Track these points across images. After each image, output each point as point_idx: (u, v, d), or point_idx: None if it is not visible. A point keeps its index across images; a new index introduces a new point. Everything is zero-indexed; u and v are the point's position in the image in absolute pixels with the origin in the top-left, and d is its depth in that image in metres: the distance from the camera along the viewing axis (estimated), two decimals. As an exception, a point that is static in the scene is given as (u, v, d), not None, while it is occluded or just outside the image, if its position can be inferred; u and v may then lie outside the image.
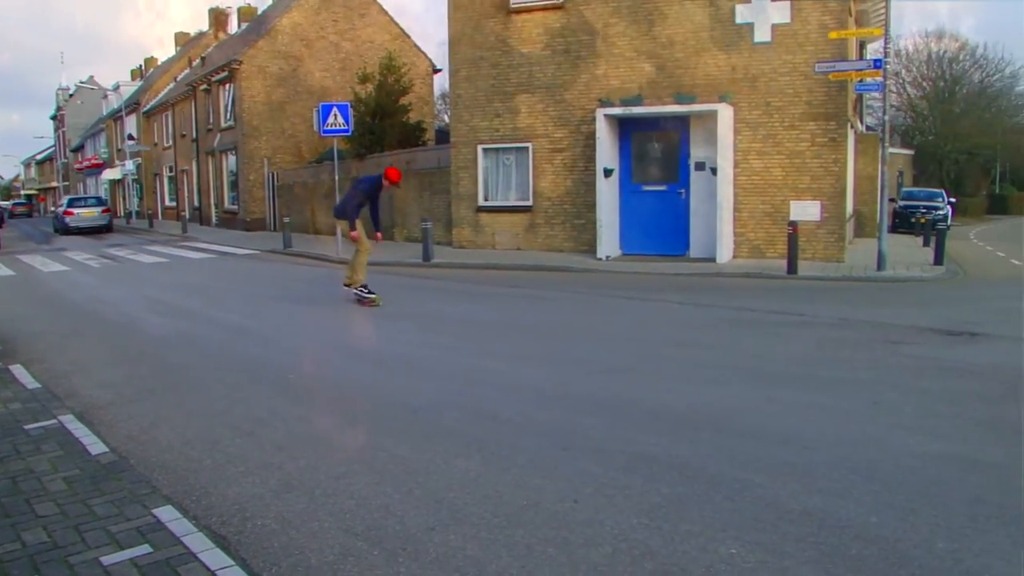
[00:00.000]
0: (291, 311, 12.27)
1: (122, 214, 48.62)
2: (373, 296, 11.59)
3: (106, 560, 3.71)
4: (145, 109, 46.70)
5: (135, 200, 47.71)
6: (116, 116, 50.30)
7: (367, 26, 34.65)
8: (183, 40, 52.57)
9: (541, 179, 18.91)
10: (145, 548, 3.81)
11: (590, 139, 17.67)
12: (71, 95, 72.17)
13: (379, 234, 12.04)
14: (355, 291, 11.65)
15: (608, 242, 17.42)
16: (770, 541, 3.85)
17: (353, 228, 11.60)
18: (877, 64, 15.39)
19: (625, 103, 17.31)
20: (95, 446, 5.34)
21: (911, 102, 52.88)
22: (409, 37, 35.97)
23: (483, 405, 6.36)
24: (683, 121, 17.05)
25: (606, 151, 17.24)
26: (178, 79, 45.17)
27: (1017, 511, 4.14)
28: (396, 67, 26.78)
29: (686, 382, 7.08)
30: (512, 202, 19.58)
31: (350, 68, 32.33)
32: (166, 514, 4.21)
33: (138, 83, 55.55)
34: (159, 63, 56.15)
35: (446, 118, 36.57)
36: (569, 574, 3.59)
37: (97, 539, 3.92)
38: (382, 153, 25.13)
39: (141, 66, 59.77)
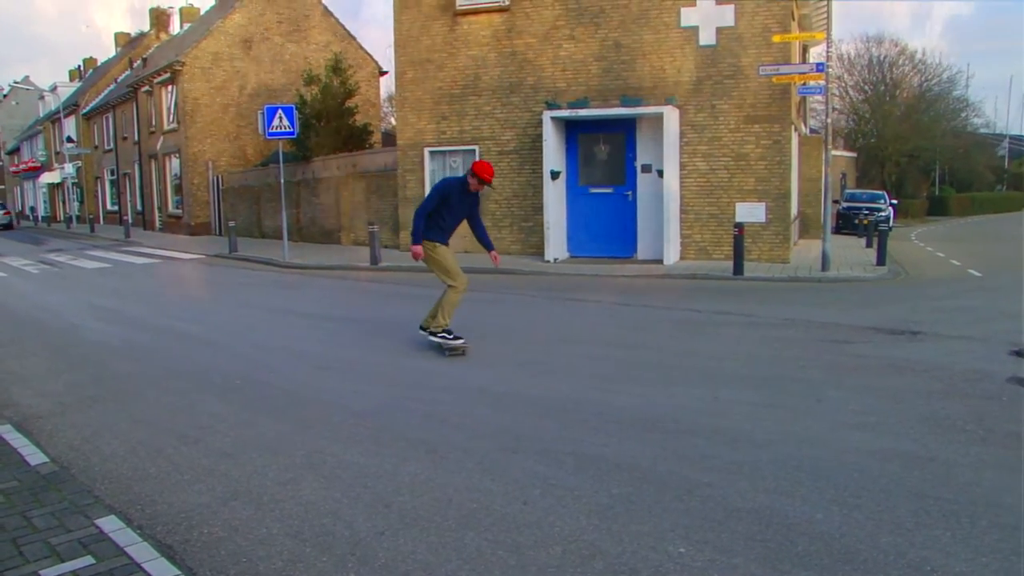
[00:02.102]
0: (237, 316, 12.11)
1: (62, 218, 47.61)
2: (460, 343, 8.45)
3: (46, 573, 3.61)
4: (85, 111, 45.77)
5: (75, 204, 46.73)
6: (54, 118, 49.28)
7: (312, 28, 34.38)
8: (123, 40, 51.58)
9: (489, 181, 18.89)
10: (87, 560, 3.72)
11: (537, 141, 17.71)
12: (5, 95, 70.55)
13: (495, 254, 8.78)
14: (437, 337, 8.44)
15: (556, 244, 17.48)
16: (718, 540, 3.89)
17: (417, 241, 8.27)
18: (819, 67, 15.65)
19: (572, 105, 17.38)
20: (34, 456, 5.21)
21: (853, 105, 53.86)
22: (355, 39, 35.74)
23: (431, 408, 6.33)
24: (629, 123, 17.17)
25: (553, 153, 17.29)
26: (119, 80, 44.36)
27: (957, 505, 4.24)
28: (342, 69, 26.61)
29: (634, 383, 7.12)
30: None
31: (295, 70, 32.03)
32: (109, 524, 4.11)
33: (77, 84, 54.47)
34: (98, 64, 55.07)
35: (393, 120, 36.41)
36: (520, 575, 3.59)
37: (36, 552, 3.82)
38: (327, 156, 24.94)
39: (80, 66, 58.58)
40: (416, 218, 8.30)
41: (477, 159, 18.83)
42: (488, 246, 8.71)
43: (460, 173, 19.13)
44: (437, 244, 8.40)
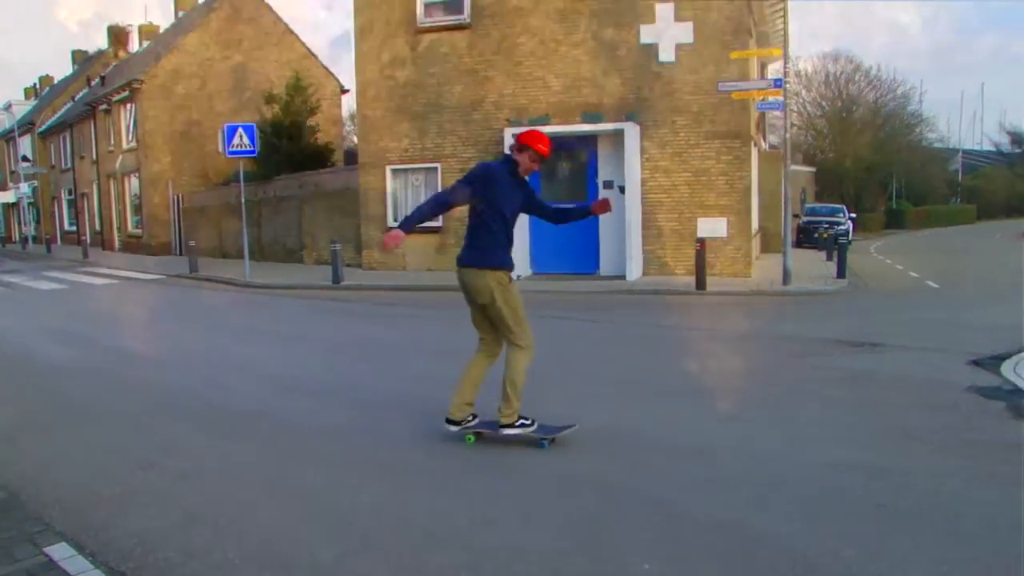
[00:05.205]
0: (197, 336, 11.94)
1: (17, 239, 46.81)
2: (530, 426, 5.60)
3: (-8, 605, 3.50)
4: (41, 129, 45.17)
5: (32, 224, 45.97)
6: (8, 137, 48.53)
7: (273, 45, 34.20)
8: (80, 58, 50.97)
9: (452, 199, 18.83)
10: (36, 590, 3.61)
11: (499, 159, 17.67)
12: (-42, 114, 69.25)
13: (600, 202, 6.04)
14: (515, 429, 5.59)
15: (518, 262, 17.42)
16: (684, 555, 3.86)
17: (404, 226, 5.54)
18: (777, 83, 15.83)
19: (533, 123, 17.41)
20: (-17, 485, 5.06)
21: (811, 121, 54.61)
22: (316, 57, 35.66)
23: (393, 428, 6.26)
24: (591, 140, 17.24)
25: (516, 170, 17.28)
26: (76, 98, 43.81)
27: (918, 516, 4.25)
28: (303, 87, 26.48)
29: (600, 399, 7.10)
30: (422, 224, 19.45)
31: (256, 88, 31.83)
32: (60, 552, 3.99)
33: (32, 102, 53.67)
34: (55, 81, 54.34)
35: (355, 139, 36.36)
36: (483, 598, 3.54)
37: (-17, 582, 3.70)
38: (289, 175, 24.77)
39: (36, 84, 57.75)
40: (425, 204, 5.65)
41: (439, 178, 18.79)
42: (586, 206, 6.13)
43: (423, 191, 19.16)
44: (510, 275, 5.60)
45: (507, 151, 5.66)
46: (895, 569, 3.66)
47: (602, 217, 16.83)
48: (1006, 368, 7.67)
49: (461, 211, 5.62)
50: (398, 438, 5.98)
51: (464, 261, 5.57)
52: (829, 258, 20.59)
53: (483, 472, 5.14)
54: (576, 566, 3.78)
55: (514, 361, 5.61)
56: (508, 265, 5.57)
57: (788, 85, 15.83)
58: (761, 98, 16.20)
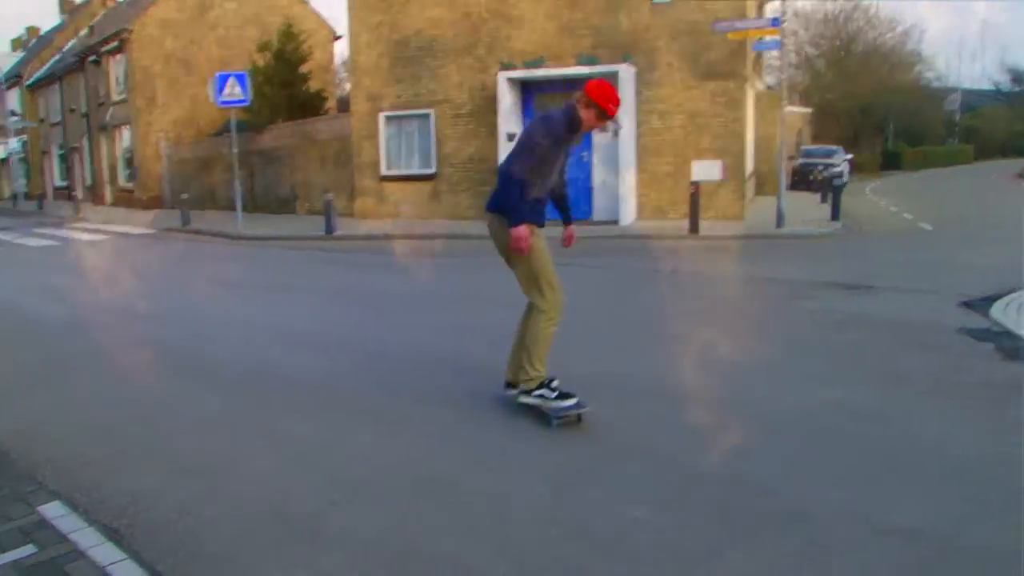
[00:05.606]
0: (189, 290, 11.90)
1: (7, 196, 46.46)
2: (571, 404, 4.95)
3: (-17, 565, 3.49)
4: (29, 82, 44.58)
5: (22, 181, 45.57)
6: (-4, 90, 47.97)
7: (264, -8, 33.60)
8: (68, 7, 50.10)
9: (444, 145, 18.72)
10: (29, 548, 3.60)
11: (493, 103, 17.53)
12: (-59, 67, 68.29)
13: (570, 229, 5.45)
14: (533, 397, 5.05)
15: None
16: (676, 502, 3.87)
17: (516, 221, 4.92)
18: (775, 23, 15.60)
19: (527, 66, 17.22)
20: (-26, 444, 5.05)
21: (809, 61, 53.97)
22: (308, 3, 35.07)
23: (387, 378, 6.25)
24: (585, 83, 16.99)
25: (508, 115, 17.14)
26: (64, 49, 43.18)
27: (906, 459, 4.27)
28: (294, 35, 26.15)
29: (590, 345, 7.09)
30: (415, 170, 19.35)
31: (247, 36, 31.37)
32: (53, 511, 3.98)
33: (20, 54, 52.85)
34: (42, 32, 53.50)
35: (347, 87, 35.96)
36: (473, 544, 3.54)
37: (-26, 543, 3.69)
38: (281, 124, 24.55)
39: (23, 36, 56.87)
40: (509, 182, 4.95)
41: (433, 124, 18.59)
42: (568, 218, 5.49)
43: (416, 138, 19.01)
44: (536, 230, 5.09)
45: (574, 101, 5.09)
46: (882, 510, 3.67)
47: (596, 161, 16.91)
48: (995, 310, 7.68)
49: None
50: (393, 387, 5.98)
51: (489, 205, 5.20)
52: (824, 200, 20.50)
53: (478, 422, 5.14)
54: (568, 513, 3.79)
55: (532, 323, 5.07)
56: (533, 218, 5.03)
57: (785, 24, 15.62)
58: (758, 38, 15.97)
